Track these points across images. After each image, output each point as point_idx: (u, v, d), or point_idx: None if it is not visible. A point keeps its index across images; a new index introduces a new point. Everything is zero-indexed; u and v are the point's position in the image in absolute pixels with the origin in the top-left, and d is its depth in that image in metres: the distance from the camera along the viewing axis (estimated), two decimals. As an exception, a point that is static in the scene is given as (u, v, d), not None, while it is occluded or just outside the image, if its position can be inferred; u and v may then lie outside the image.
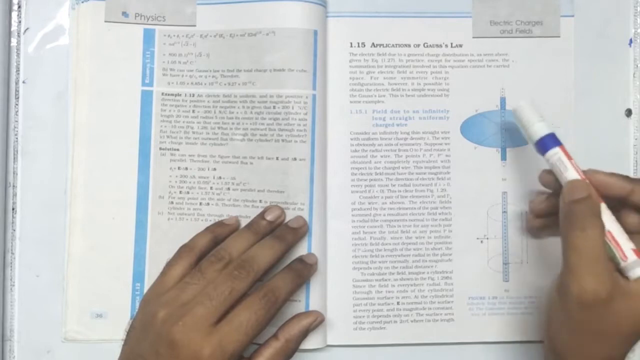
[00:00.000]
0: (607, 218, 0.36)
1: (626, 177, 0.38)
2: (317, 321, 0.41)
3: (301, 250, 0.42)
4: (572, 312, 0.35)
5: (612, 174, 0.38)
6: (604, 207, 0.37)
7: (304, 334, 0.41)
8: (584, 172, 0.38)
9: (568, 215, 0.36)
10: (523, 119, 0.40)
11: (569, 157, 0.38)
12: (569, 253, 0.35)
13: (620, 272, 0.35)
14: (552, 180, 0.40)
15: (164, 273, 0.39)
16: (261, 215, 0.42)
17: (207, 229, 0.42)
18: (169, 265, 0.40)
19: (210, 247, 0.41)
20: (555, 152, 0.39)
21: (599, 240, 0.35)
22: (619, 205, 0.38)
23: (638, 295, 0.34)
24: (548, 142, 0.39)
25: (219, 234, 0.42)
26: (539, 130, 0.39)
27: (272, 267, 0.39)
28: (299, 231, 0.42)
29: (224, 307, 0.36)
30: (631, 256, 0.35)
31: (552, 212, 0.41)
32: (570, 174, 0.38)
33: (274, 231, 0.41)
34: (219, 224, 0.43)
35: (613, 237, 0.36)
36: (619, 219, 0.37)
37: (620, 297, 0.34)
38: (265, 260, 0.39)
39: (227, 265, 0.38)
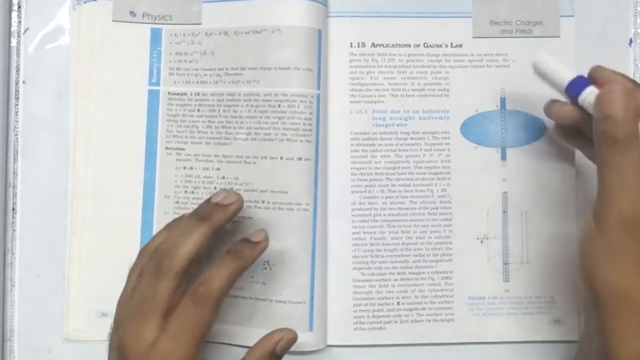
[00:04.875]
0: None
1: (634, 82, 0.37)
2: (283, 340, 0.37)
3: (301, 252, 0.42)
4: (612, 237, 0.32)
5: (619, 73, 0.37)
6: None
7: (269, 356, 0.37)
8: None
9: (605, 130, 0.33)
10: (548, 70, 0.38)
11: None
12: (607, 172, 0.33)
13: None
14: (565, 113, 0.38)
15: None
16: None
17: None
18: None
19: None
20: (591, 92, 0.36)
21: (638, 159, 0.32)
22: None
23: None
24: (579, 84, 0.37)
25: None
26: (567, 75, 0.38)
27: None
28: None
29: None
30: None
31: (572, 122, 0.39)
32: None
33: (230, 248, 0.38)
34: None
35: None
36: None
37: None
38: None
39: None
